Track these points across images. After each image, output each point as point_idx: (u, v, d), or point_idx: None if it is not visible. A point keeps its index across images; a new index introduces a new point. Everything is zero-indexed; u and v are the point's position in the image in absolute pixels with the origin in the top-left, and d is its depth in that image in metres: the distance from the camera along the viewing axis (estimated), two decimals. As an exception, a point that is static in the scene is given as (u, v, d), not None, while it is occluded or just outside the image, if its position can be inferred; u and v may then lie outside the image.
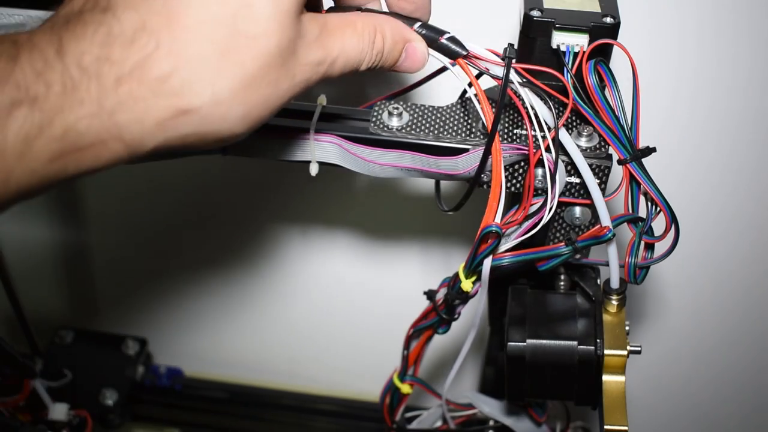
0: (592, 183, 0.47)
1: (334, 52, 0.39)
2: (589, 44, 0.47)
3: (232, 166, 0.79)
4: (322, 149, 0.50)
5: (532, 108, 0.44)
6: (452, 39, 0.43)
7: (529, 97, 0.44)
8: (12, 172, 0.32)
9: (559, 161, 0.46)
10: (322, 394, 0.91)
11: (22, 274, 0.92)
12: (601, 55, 0.47)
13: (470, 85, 0.44)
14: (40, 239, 0.91)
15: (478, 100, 0.44)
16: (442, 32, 0.43)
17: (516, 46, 0.50)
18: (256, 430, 0.89)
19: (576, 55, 0.47)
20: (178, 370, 0.90)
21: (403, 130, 0.50)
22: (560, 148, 0.46)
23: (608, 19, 0.47)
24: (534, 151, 0.45)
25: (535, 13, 0.47)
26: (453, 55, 0.43)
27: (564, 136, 0.46)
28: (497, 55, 0.44)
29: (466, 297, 0.50)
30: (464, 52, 0.43)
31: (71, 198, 0.88)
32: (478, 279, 0.49)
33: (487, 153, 0.44)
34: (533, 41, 0.48)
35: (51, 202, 0.88)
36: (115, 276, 0.94)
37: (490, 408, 0.60)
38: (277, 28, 0.34)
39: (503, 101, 0.43)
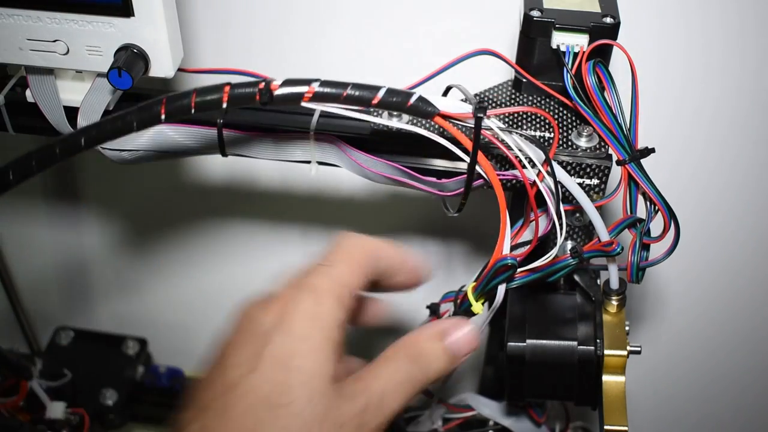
0: (591, 210, 0.46)
1: (375, 391, 0.40)
2: (588, 44, 0.47)
3: (232, 166, 0.79)
4: (322, 149, 0.50)
5: (521, 151, 0.44)
6: (421, 99, 0.40)
7: (515, 140, 0.44)
8: None
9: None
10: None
11: (22, 274, 0.93)
12: (600, 55, 0.47)
13: (463, 149, 0.43)
14: (40, 239, 0.91)
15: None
16: (409, 95, 0.41)
17: (516, 48, 0.50)
18: (256, 430, 0.89)
19: (576, 55, 0.47)
20: (178, 370, 0.90)
21: (403, 131, 0.50)
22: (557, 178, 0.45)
23: (608, 20, 0.47)
24: (530, 184, 0.45)
25: (535, 13, 0.47)
26: (426, 115, 0.41)
27: (558, 170, 0.45)
28: (469, 101, 0.42)
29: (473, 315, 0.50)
30: (437, 111, 0.41)
31: (71, 198, 0.88)
32: (487, 300, 0.49)
33: (468, 189, 0.44)
34: (533, 41, 0.48)
35: (51, 202, 0.88)
36: (115, 276, 0.94)
37: (490, 410, 0.60)
38: (306, 394, 0.38)
39: (474, 161, 0.42)
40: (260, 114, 0.52)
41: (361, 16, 0.68)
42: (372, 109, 0.51)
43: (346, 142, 0.50)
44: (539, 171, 0.43)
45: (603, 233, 0.46)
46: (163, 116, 0.39)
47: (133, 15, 0.45)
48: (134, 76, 0.45)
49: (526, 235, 0.48)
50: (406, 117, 0.50)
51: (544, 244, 0.49)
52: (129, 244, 0.91)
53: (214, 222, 0.87)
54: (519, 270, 0.46)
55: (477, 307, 0.48)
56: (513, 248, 0.46)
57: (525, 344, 0.49)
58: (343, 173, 0.52)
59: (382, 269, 0.45)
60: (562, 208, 0.45)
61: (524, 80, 0.50)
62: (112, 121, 0.40)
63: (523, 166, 0.43)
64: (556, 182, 0.43)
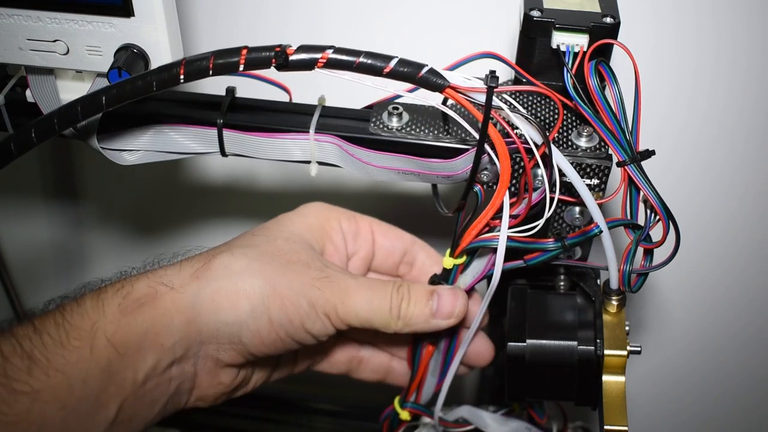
0: (585, 192, 0.46)
1: (351, 286, 0.47)
2: (589, 44, 0.47)
3: (232, 166, 0.79)
4: (322, 149, 0.50)
5: (527, 132, 0.44)
6: (432, 71, 0.41)
7: (520, 120, 0.44)
8: None
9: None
10: (322, 394, 0.91)
11: (22, 274, 0.93)
12: (601, 55, 0.47)
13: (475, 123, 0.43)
14: (40, 239, 0.91)
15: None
16: (421, 66, 0.41)
17: (516, 48, 0.51)
18: (256, 430, 0.89)
19: (576, 55, 0.47)
20: (178, 370, 0.90)
21: (403, 130, 0.50)
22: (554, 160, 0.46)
23: (608, 19, 0.47)
24: (528, 159, 0.45)
25: (535, 13, 0.47)
26: (436, 88, 0.42)
27: (556, 153, 0.46)
28: (479, 79, 0.43)
29: (448, 277, 0.51)
30: (447, 83, 0.41)
31: (71, 198, 0.88)
32: (468, 258, 0.49)
33: (477, 163, 0.44)
34: (533, 41, 0.48)
35: (51, 202, 0.88)
36: (115, 276, 0.94)
37: (488, 423, 0.59)
38: (309, 253, 0.49)
39: (485, 131, 0.43)
40: (260, 114, 0.52)
41: (362, 19, 0.68)
42: (372, 110, 0.51)
43: (347, 141, 0.50)
44: (539, 146, 0.44)
45: (596, 214, 0.46)
46: (182, 77, 0.40)
47: (133, 15, 0.45)
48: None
49: (521, 210, 0.48)
50: (406, 117, 0.50)
51: (543, 230, 0.49)
52: (129, 244, 0.91)
53: (214, 222, 0.87)
54: (503, 232, 0.46)
55: (447, 261, 0.48)
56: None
57: (525, 344, 0.49)
58: (343, 173, 0.52)
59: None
60: (556, 174, 0.45)
61: (524, 80, 0.50)
62: (132, 80, 0.41)
63: (524, 143, 0.44)
64: (551, 154, 0.44)
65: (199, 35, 0.71)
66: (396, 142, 0.50)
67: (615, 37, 0.47)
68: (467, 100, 0.42)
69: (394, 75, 0.40)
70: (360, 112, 0.52)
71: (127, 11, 0.44)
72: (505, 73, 0.55)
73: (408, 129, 0.50)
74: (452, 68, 0.47)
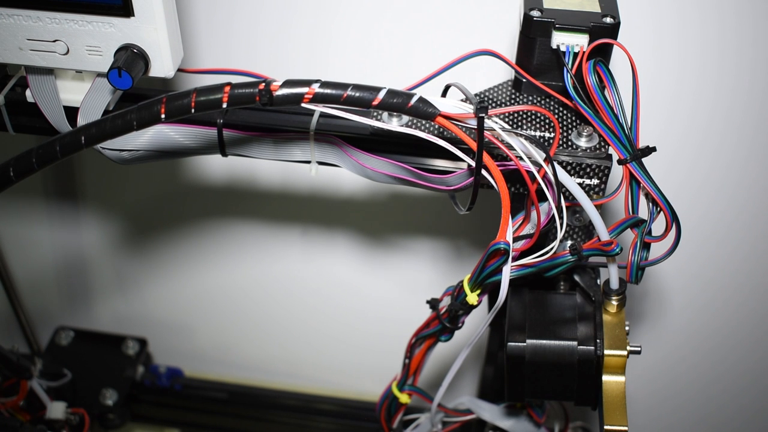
0: (591, 210, 0.46)
1: None
2: (588, 44, 0.47)
3: (232, 166, 0.79)
4: (322, 150, 0.50)
5: (525, 153, 0.44)
6: (422, 100, 0.40)
7: (516, 140, 0.44)
8: None
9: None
10: (322, 394, 0.91)
11: (22, 274, 0.93)
12: (600, 54, 0.47)
13: (464, 149, 0.43)
14: (40, 240, 0.91)
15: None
16: (410, 96, 0.40)
17: (516, 48, 0.51)
18: (256, 430, 0.89)
19: (576, 55, 0.47)
20: (178, 370, 0.90)
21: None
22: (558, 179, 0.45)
23: (608, 19, 0.47)
24: (532, 183, 0.45)
25: (535, 13, 0.47)
26: (427, 117, 0.41)
27: (559, 170, 0.45)
28: (470, 101, 0.42)
29: (470, 309, 0.50)
30: (437, 111, 0.40)
31: (71, 198, 0.88)
32: (483, 292, 0.49)
33: (476, 191, 0.44)
34: (533, 41, 0.48)
35: (51, 202, 0.88)
36: (115, 276, 0.94)
37: (489, 413, 0.60)
38: None
39: (480, 162, 0.42)
40: (260, 114, 0.52)
41: (361, 16, 0.68)
42: (372, 110, 0.51)
43: (347, 142, 0.50)
44: (540, 168, 0.43)
45: (603, 233, 0.46)
46: (163, 115, 0.39)
47: (133, 15, 0.45)
48: (134, 76, 0.45)
49: (527, 229, 0.48)
50: (405, 118, 0.50)
51: (543, 239, 0.49)
52: (129, 244, 0.91)
53: (214, 222, 0.87)
54: (517, 263, 0.46)
55: (472, 297, 0.48)
56: (514, 240, 0.46)
57: (525, 344, 0.49)
58: (343, 173, 0.52)
59: None
60: (563, 202, 0.45)
61: (524, 80, 0.50)
62: (112, 119, 0.40)
63: (520, 160, 0.43)
64: (557, 179, 0.44)
65: (199, 35, 0.71)
66: (396, 141, 0.50)
67: (615, 37, 0.47)
68: (459, 127, 0.42)
69: (383, 106, 0.39)
70: (360, 112, 0.52)
71: (127, 11, 0.44)
72: (504, 72, 0.55)
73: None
74: (450, 66, 0.47)
